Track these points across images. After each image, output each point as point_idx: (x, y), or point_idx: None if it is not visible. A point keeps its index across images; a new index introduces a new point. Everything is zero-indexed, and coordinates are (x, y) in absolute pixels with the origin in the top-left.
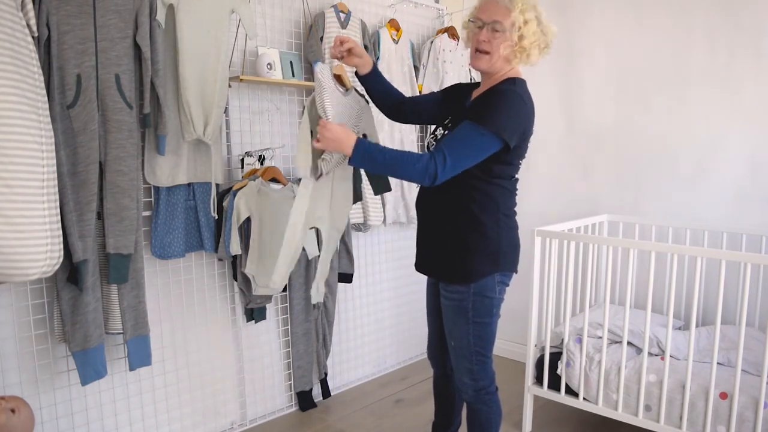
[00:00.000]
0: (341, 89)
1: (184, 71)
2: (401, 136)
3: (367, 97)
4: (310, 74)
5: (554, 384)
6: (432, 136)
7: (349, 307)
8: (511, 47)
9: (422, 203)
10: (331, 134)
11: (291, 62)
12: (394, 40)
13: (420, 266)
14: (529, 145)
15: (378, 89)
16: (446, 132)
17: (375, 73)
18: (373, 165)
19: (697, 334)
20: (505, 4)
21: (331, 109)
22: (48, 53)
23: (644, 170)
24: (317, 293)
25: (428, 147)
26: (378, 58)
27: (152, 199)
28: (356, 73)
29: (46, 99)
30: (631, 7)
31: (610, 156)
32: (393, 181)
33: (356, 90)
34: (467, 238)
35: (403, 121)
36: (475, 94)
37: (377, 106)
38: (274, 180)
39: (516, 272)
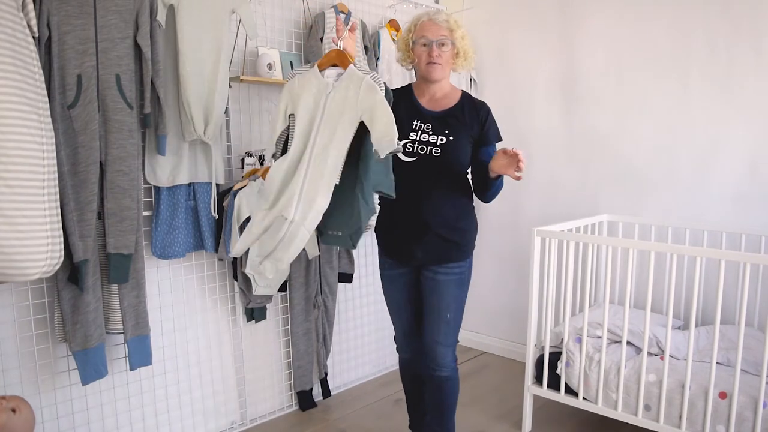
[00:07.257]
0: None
1: (184, 71)
2: None
3: (375, 76)
4: None
5: (554, 384)
6: (411, 141)
7: (349, 307)
8: (454, 57)
9: (422, 197)
10: None
11: (291, 62)
12: (394, 40)
13: (409, 257)
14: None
15: None
16: (443, 139)
17: None
18: None
19: (697, 333)
20: (447, 25)
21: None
22: (49, 53)
23: (644, 170)
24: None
25: (406, 148)
26: (378, 58)
27: (153, 199)
28: None
29: (46, 99)
30: (630, 6)
31: (609, 156)
32: None
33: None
34: (467, 219)
35: None
36: (424, 98)
37: None
38: None
39: None
